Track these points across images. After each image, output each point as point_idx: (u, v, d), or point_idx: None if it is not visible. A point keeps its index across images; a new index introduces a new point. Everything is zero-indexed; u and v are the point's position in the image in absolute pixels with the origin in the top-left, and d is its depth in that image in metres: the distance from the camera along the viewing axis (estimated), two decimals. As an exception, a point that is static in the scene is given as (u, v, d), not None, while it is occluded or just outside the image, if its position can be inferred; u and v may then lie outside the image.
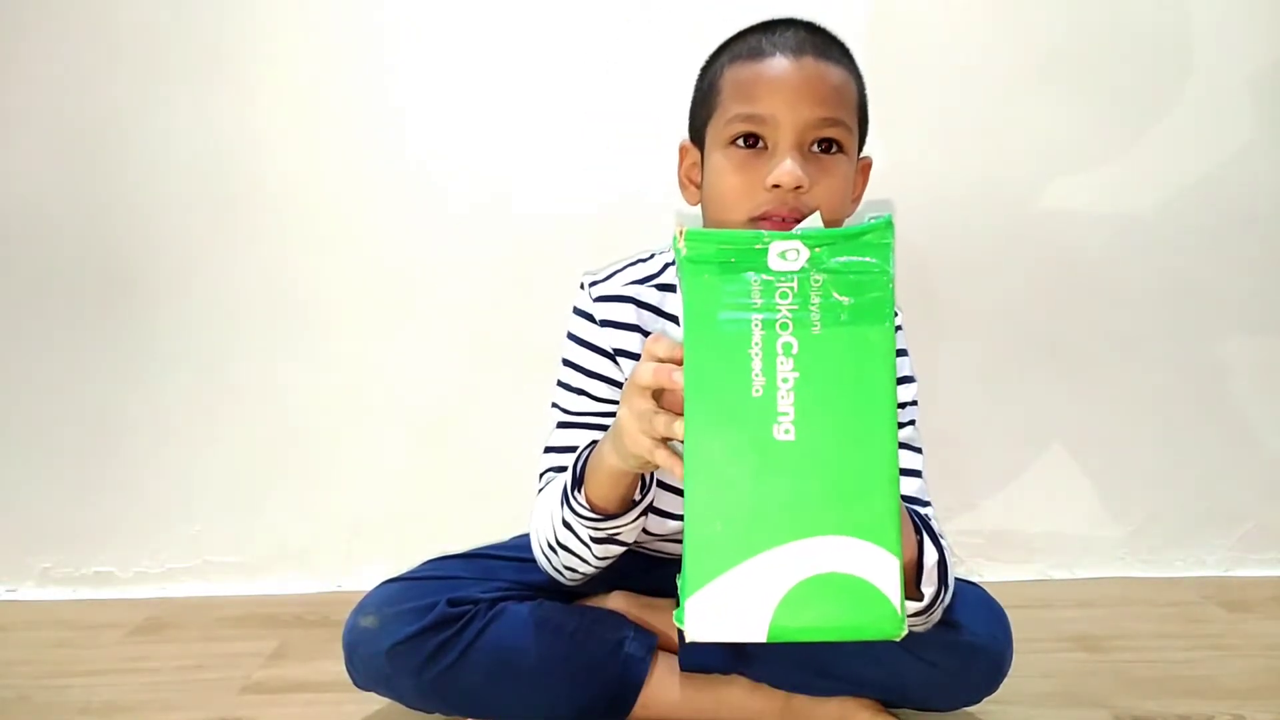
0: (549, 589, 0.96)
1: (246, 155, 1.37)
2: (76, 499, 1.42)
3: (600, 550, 0.83)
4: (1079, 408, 1.44)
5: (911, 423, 0.93)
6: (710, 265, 0.53)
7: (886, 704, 0.94)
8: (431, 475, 1.42)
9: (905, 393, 0.92)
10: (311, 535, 1.43)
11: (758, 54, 0.82)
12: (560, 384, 0.94)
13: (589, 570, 0.86)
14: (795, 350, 0.52)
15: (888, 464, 0.54)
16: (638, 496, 0.80)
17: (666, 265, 0.94)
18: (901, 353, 0.94)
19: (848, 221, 0.88)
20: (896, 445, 0.55)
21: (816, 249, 0.54)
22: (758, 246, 0.53)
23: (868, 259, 0.53)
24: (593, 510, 0.79)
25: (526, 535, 0.95)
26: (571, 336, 0.94)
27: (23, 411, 1.41)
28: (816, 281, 0.53)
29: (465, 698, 0.90)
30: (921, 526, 0.77)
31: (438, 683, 0.88)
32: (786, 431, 0.53)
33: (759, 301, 0.52)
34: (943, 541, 0.80)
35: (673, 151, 0.94)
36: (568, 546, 0.84)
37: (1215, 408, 1.44)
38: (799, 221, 0.79)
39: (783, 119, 0.79)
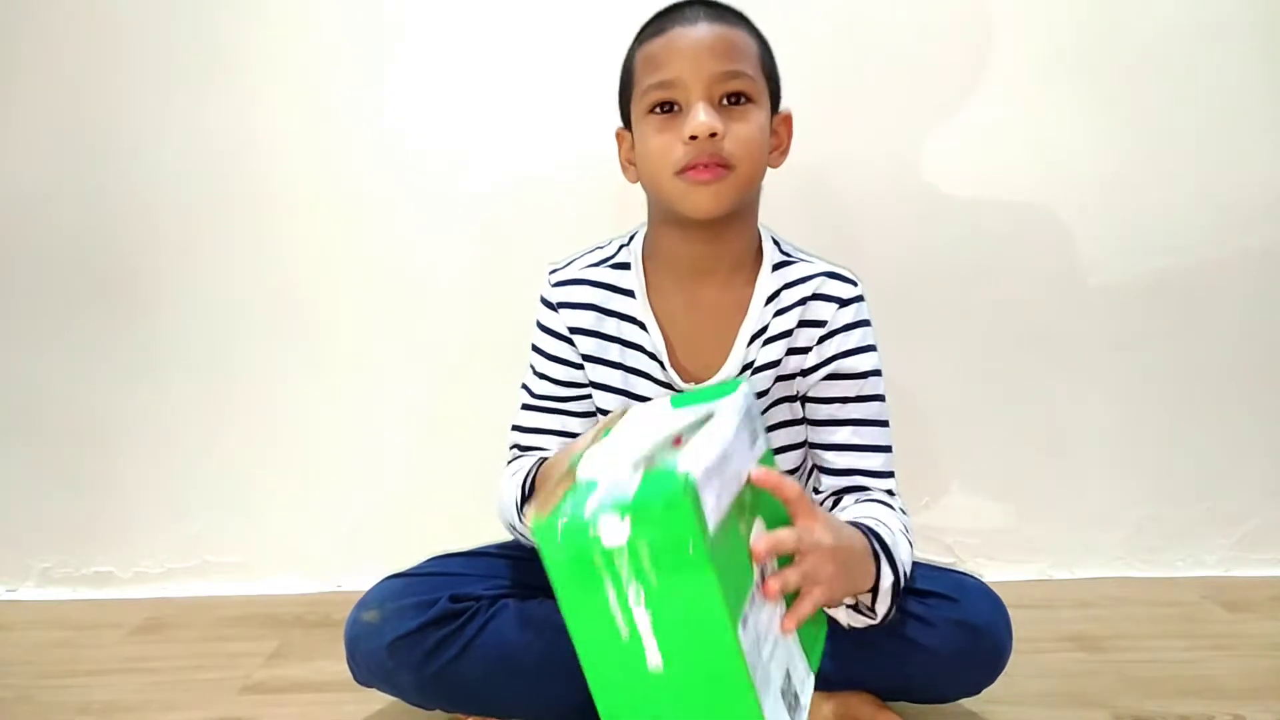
0: (550, 588, 0.96)
1: (246, 156, 1.37)
2: (77, 499, 1.42)
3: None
4: (1079, 408, 1.44)
5: (876, 396, 0.94)
6: (558, 551, 0.61)
7: (887, 698, 0.94)
8: (431, 475, 1.42)
9: (865, 362, 0.93)
10: (311, 535, 1.43)
11: (660, 30, 0.88)
12: (530, 366, 0.99)
13: None
14: (642, 598, 0.60)
15: (740, 680, 0.61)
16: None
17: (621, 246, 0.99)
18: (864, 323, 0.94)
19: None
20: (742, 665, 0.61)
21: (632, 535, 0.60)
22: (590, 535, 0.60)
23: (671, 537, 0.59)
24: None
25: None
26: (538, 324, 0.99)
27: (23, 411, 1.41)
28: (641, 547, 0.60)
29: (465, 694, 0.90)
30: (879, 549, 0.80)
31: (438, 678, 0.88)
32: (655, 664, 0.62)
33: (603, 569, 0.60)
34: (896, 544, 0.82)
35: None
36: (524, 535, 0.91)
37: (1215, 408, 1.44)
38: (722, 168, 0.84)
39: (688, 77, 0.85)
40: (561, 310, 0.96)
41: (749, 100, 0.87)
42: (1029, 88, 1.38)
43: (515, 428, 0.99)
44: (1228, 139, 1.40)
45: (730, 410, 0.69)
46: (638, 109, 0.89)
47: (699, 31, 0.86)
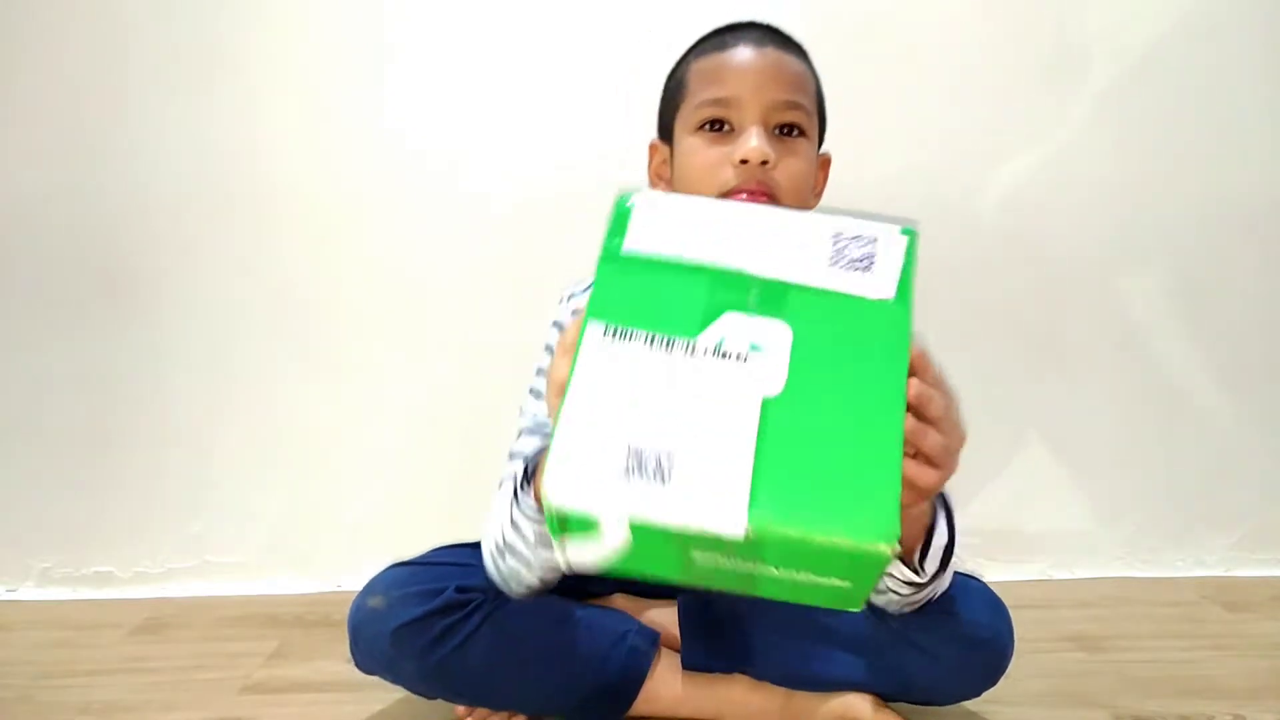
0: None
1: (247, 156, 1.38)
2: (76, 499, 1.42)
3: (544, 555, 0.81)
4: (1079, 408, 1.44)
5: None
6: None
7: (887, 699, 0.94)
8: (432, 475, 1.42)
9: None
10: (311, 535, 1.43)
11: (722, 46, 0.86)
12: (531, 390, 0.95)
13: (532, 581, 0.85)
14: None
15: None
16: None
17: None
18: None
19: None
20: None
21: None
22: None
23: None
24: (540, 507, 0.77)
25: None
26: (548, 348, 0.95)
27: (23, 411, 1.41)
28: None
29: (468, 684, 0.90)
30: (941, 504, 0.77)
31: (441, 667, 0.88)
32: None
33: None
34: (953, 512, 0.80)
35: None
36: (514, 547, 0.83)
37: (1215, 408, 1.45)
38: (767, 196, 0.83)
39: (747, 100, 0.83)
40: None
41: (802, 134, 0.86)
42: (1029, 88, 1.38)
43: (514, 455, 0.92)
44: (1228, 139, 1.40)
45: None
46: (685, 122, 0.87)
47: (764, 54, 0.84)
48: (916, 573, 0.78)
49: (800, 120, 0.85)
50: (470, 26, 1.36)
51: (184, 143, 1.37)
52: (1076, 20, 1.37)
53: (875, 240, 0.65)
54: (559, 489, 0.55)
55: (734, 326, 0.59)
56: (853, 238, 0.64)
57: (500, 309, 1.39)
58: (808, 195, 0.87)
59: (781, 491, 0.55)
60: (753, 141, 0.82)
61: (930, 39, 1.36)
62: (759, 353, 0.58)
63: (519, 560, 0.84)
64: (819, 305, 0.60)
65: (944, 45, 1.37)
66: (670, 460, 0.55)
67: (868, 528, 0.54)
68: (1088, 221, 1.41)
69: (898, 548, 0.54)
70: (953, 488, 1.47)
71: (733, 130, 0.84)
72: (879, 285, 0.62)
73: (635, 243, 0.62)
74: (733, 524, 0.54)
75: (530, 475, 0.79)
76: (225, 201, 1.38)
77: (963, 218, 1.40)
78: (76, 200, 1.38)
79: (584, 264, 0.99)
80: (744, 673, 0.94)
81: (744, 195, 0.82)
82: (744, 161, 0.82)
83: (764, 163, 0.82)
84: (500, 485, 0.91)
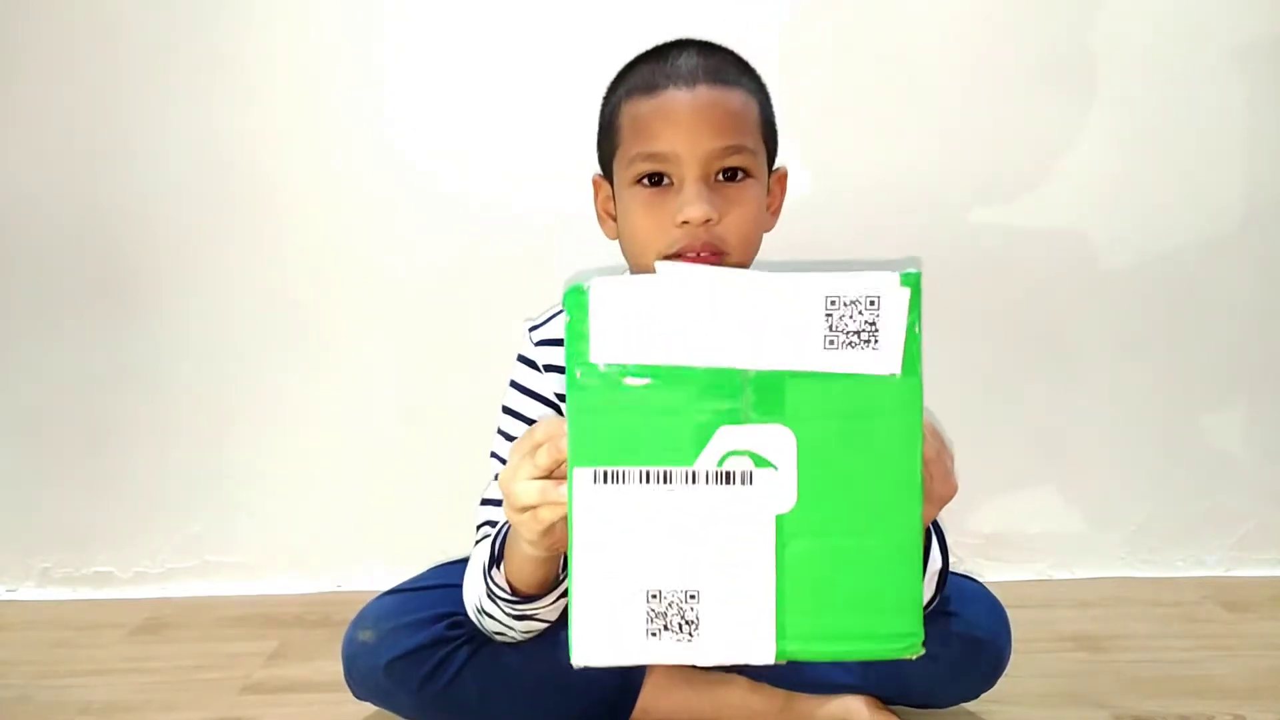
0: None
1: (246, 156, 1.37)
2: (76, 499, 1.42)
3: (523, 626, 0.80)
4: (1079, 408, 1.44)
5: None
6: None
7: (886, 701, 0.94)
8: (432, 475, 1.42)
9: None
10: (311, 535, 1.43)
11: (651, 88, 0.80)
12: (500, 432, 0.92)
13: (516, 638, 0.83)
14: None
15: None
16: (561, 575, 0.76)
17: None
18: None
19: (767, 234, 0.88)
20: None
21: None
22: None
23: None
24: (512, 592, 0.76)
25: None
26: (514, 384, 0.93)
27: (23, 411, 1.41)
28: None
29: (464, 712, 0.89)
30: (933, 530, 0.77)
31: (437, 699, 0.87)
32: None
33: None
34: (945, 540, 0.81)
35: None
36: (493, 616, 0.80)
37: (1215, 408, 1.44)
38: (715, 255, 0.78)
39: (684, 153, 0.78)
40: (548, 374, 0.90)
41: (747, 175, 0.80)
42: (1029, 88, 1.38)
43: (485, 501, 0.89)
44: (1228, 139, 1.40)
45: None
46: (622, 172, 0.82)
47: (696, 98, 0.78)
48: None
49: (743, 163, 0.80)
50: (471, 28, 1.36)
51: (184, 142, 1.37)
52: (1078, 21, 1.37)
53: (874, 302, 0.57)
54: (587, 652, 0.55)
55: (732, 441, 0.55)
56: (849, 303, 0.56)
57: (501, 309, 1.38)
58: (757, 237, 0.83)
59: (807, 617, 0.55)
60: (693, 205, 0.76)
61: (930, 39, 1.36)
62: (765, 470, 0.55)
63: (500, 626, 0.81)
64: (820, 396, 0.56)
65: (944, 45, 1.36)
66: (692, 604, 0.54)
67: (893, 637, 0.56)
68: (1088, 221, 1.40)
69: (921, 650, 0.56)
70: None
71: (672, 183, 0.79)
72: (883, 360, 0.57)
73: (603, 351, 0.56)
74: (762, 655, 0.55)
75: (498, 556, 0.76)
76: (226, 201, 1.38)
77: (963, 218, 1.40)
78: (76, 200, 1.38)
79: (584, 267, 0.99)
80: (742, 674, 0.93)
81: (690, 256, 0.78)
82: (685, 222, 0.77)
83: (707, 221, 0.77)
84: (478, 533, 0.88)
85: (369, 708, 1.02)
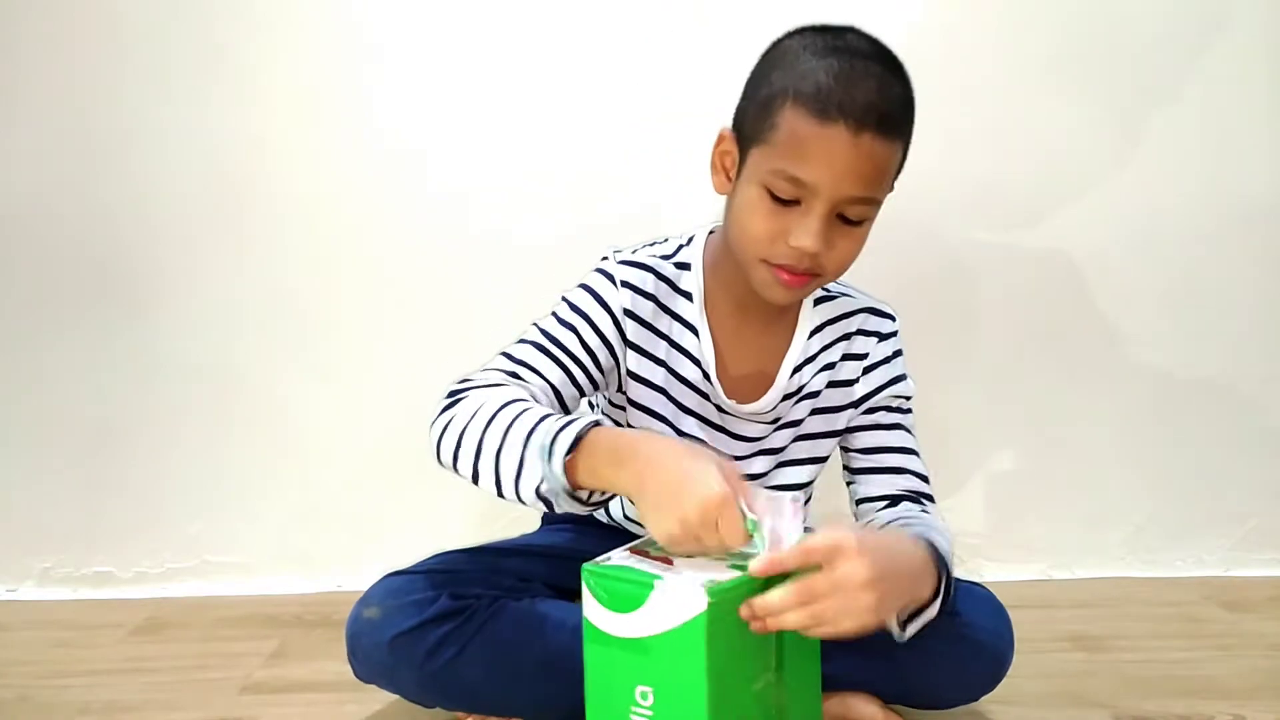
0: (550, 584, 0.96)
1: (246, 156, 1.37)
2: (76, 499, 1.42)
3: (527, 497, 0.78)
4: (1079, 407, 1.44)
5: (909, 411, 1.01)
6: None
7: (888, 701, 0.94)
8: (432, 475, 1.41)
9: (906, 388, 1.00)
10: (311, 535, 1.43)
11: (823, 114, 0.80)
12: (553, 313, 0.95)
13: (487, 486, 0.81)
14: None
15: None
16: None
17: (680, 246, 0.98)
18: (900, 353, 1.01)
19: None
20: None
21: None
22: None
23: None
24: (577, 491, 0.76)
25: (529, 534, 0.94)
26: (583, 285, 0.95)
27: (23, 412, 1.41)
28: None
29: (466, 693, 0.90)
30: (944, 583, 0.81)
31: (439, 677, 0.88)
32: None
33: None
34: (947, 555, 0.83)
35: (683, 173, 0.95)
36: (501, 472, 0.79)
37: (1215, 407, 1.45)
38: (809, 276, 0.86)
39: (823, 190, 0.81)
40: (623, 290, 0.94)
41: (867, 219, 0.86)
42: (1029, 88, 1.38)
43: (506, 354, 0.92)
44: (1228, 139, 1.40)
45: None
46: (757, 164, 0.84)
47: (858, 148, 0.80)
48: (897, 631, 0.81)
49: (866, 214, 0.85)
50: (471, 28, 1.36)
51: (184, 142, 1.37)
52: (1078, 20, 1.37)
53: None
54: None
55: None
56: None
57: (502, 310, 1.38)
58: (852, 264, 0.89)
59: None
60: (807, 237, 0.82)
61: (930, 39, 1.36)
62: None
63: (494, 472, 0.79)
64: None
65: (945, 45, 1.36)
66: None
67: None
68: (1088, 221, 1.41)
69: None
70: (953, 487, 1.48)
71: (799, 203, 0.83)
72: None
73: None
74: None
75: (576, 442, 0.74)
76: (226, 201, 1.38)
77: (963, 218, 1.40)
78: (77, 200, 1.38)
79: (586, 263, 0.99)
80: None
81: (786, 274, 0.85)
82: (796, 246, 0.83)
83: (814, 254, 0.83)
84: (483, 370, 0.90)
85: (369, 708, 1.02)
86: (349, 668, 0.92)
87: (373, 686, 0.93)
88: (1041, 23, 1.37)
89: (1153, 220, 1.41)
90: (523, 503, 0.79)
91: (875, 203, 0.85)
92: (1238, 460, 1.45)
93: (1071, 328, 1.43)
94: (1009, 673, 0.93)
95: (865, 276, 1.00)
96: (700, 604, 0.66)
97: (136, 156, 1.37)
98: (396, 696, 0.98)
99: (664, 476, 0.71)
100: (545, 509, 0.79)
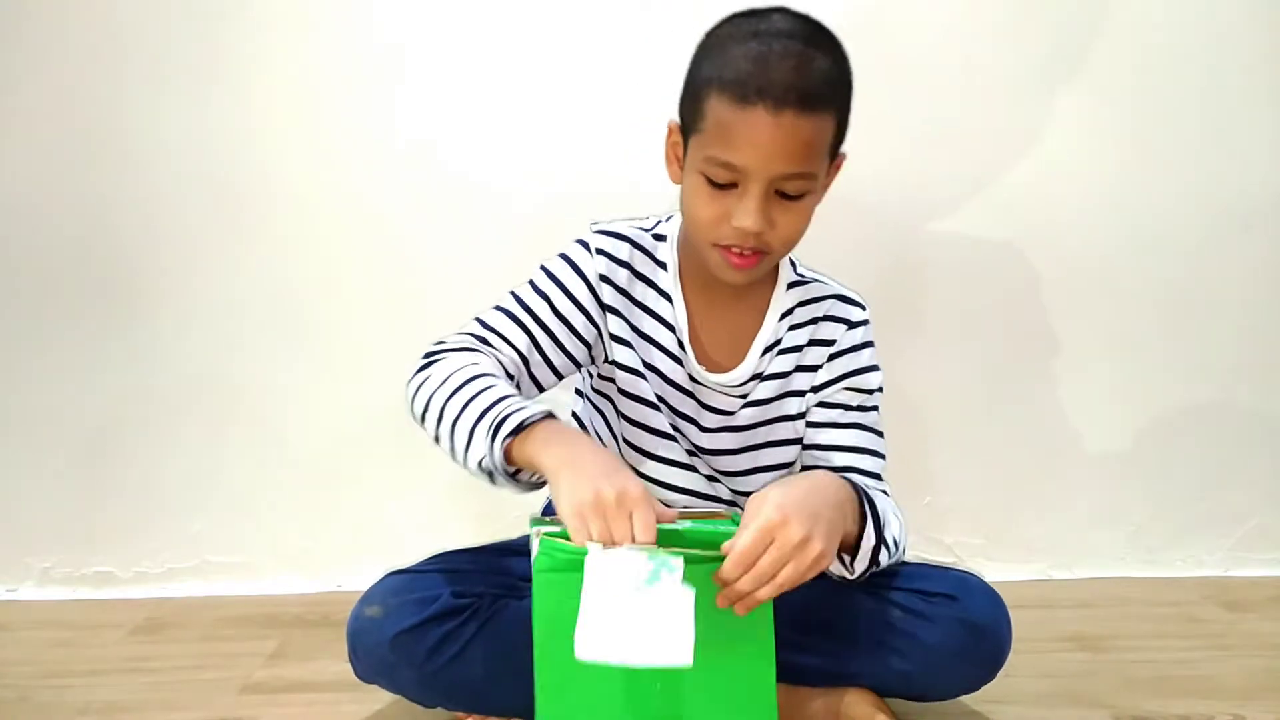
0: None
1: (248, 156, 1.37)
2: (76, 499, 1.42)
3: (472, 468, 0.84)
4: (1079, 408, 1.44)
5: (875, 408, 1.01)
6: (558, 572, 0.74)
7: (885, 694, 0.94)
8: (432, 475, 1.42)
9: (871, 380, 1.00)
10: (311, 535, 1.43)
11: (743, 99, 0.82)
12: (529, 281, 0.99)
13: (444, 449, 0.88)
14: None
15: None
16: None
17: (659, 221, 1.02)
18: (869, 344, 1.01)
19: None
20: None
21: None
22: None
23: None
24: (516, 475, 0.82)
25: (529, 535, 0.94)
26: (561, 254, 0.99)
27: (23, 412, 1.41)
28: None
29: (467, 692, 0.90)
30: (869, 512, 0.86)
31: (440, 675, 0.88)
32: None
33: None
34: (887, 520, 0.88)
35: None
36: (453, 445, 0.85)
37: (1215, 408, 1.45)
38: (758, 255, 0.88)
39: (754, 170, 0.83)
40: (598, 257, 0.97)
41: (805, 193, 0.87)
42: (1029, 88, 1.38)
43: (480, 320, 0.97)
44: (1228, 139, 1.40)
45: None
46: (695, 154, 0.87)
47: (780, 126, 0.81)
48: (848, 569, 0.87)
49: (803, 188, 0.86)
50: (472, 27, 1.36)
51: (184, 143, 1.37)
52: (1077, 20, 1.37)
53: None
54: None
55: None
56: None
57: (500, 309, 1.38)
58: (800, 237, 0.90)
59: None
60: (747, 216, 0.84)
61: (930, 38, 1.36)
62: None
63: (451, 442, 0.86)
64: None
65: (944, 45, 1.36)
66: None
67: None
68: (1088, 221, 1.41)
69: None
70: (953, 487, 1.47)
71: (736, 186, 0.85)
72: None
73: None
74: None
75: (518, 429, 0.79)
76: (226, 201, 1.38)
77: (963, 218, 1.40)
78: (76, 200, 1.38)
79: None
80: None
81: (735, 252, 0.87)
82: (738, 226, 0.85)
83: (759, 230, 0.85)
84: (456, 335, 0.96)
85: (369, 708, 1.02)
86: (349, 668, 0.92)
87: (373, 686, 0.94)
88: (1039, 23, 1.37)
89: (1151, 220, 1.41)
90: (470, 472, 0.84)
91: (811, 176, 0.86)
92: (1238, 460, 1.46)
93: (1070, 328, 1.43)
94: (1009, 672, 0.93)
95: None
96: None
97: (135, 157, 1.37)
98: (396, 696, 0.98)
99: (590, 460, 0.76)
100: (489, 482, 0.83)
